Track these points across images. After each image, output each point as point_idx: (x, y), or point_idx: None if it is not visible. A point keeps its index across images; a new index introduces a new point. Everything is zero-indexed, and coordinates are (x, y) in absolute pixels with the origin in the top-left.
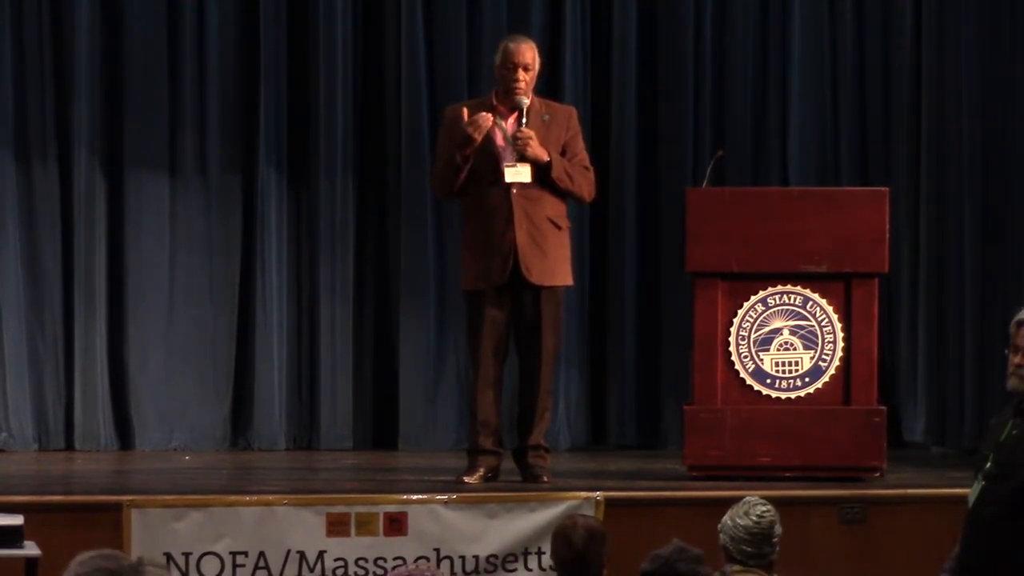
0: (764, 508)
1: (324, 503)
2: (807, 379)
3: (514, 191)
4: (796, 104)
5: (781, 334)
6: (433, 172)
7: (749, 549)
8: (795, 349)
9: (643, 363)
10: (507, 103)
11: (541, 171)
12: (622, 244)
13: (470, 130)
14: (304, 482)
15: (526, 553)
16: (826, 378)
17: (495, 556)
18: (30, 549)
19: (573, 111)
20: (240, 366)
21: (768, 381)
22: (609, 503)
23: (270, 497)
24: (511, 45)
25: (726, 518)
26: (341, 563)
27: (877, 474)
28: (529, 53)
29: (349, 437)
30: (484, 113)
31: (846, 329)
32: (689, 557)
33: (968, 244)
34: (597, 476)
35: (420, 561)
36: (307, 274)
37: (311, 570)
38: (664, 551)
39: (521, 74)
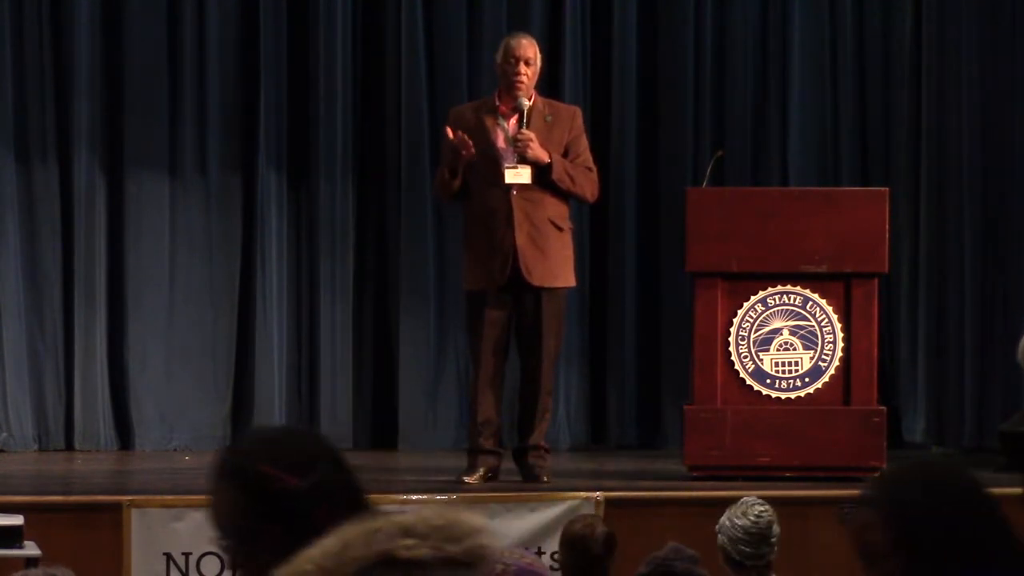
0: (762, 508)
1: None
2: (807, 379)
3: (514, 192)
4: (796, 104)
5: (781, 334)
6: (436, 175)
7: (747, 550)
8: (795, 349)
9: (643, 363)
10: (509, 103)
11: (542, 172)
12: (622, 244)
13: (456, 154)
14: None
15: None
16: (826, 378)
17: None
18: (30, 549)
19: (577, 111)
20: (240, 366)
21: (768, 381)
22: (609, 503)
23: None
24: (512, 41)
25: (724, 519)
26: None
27: (877, 474)
28: (531, 49)
29: (349, 437)
30: (460, 135)
31: (846, 329)
32: (685, 557)
33: (968, 244)
34: (597, 476)
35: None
36: (307, 274)
37: None
38: (660, 553)
39: (523, 68)
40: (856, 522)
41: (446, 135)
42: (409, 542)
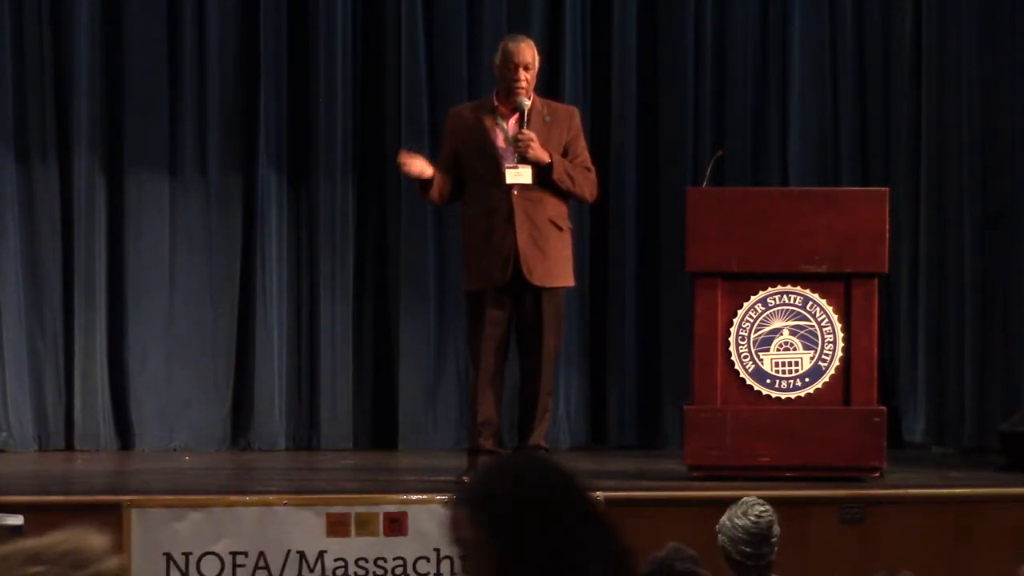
0: (762, 508)
1: (324, 503)
2: (807, 379)
3: (515, 192)
4: (796, 104)
5: (781, 334)
6: None
7: (748, 550)
8: (795, 349)
9: (643, 363)
10: (508, 103)
11: (542, 172)
12: (622, 244)
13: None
14: (304, 482)
15: None
16: (826, 378)
17: None
18: None
19: (575, 111)
20: (240, 366)
21: (768, 381)
22: (609, 503)
23: (270, 497)
24: (511, 45)
25: (724, 518)
26: (341, 563)
27: (877, 474)
28: (529, 52)
29: (349, 437)
30: (402, 153)
31: (846, 329)
32: (685, 557)
33: (968, 244)
34: (597, 476)
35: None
36: (307, 273)
37: (311, 570)
38: (660, 553)
39: (522, 73)
40: (450, 520)
41: (459, 122)
42: (36, 569)
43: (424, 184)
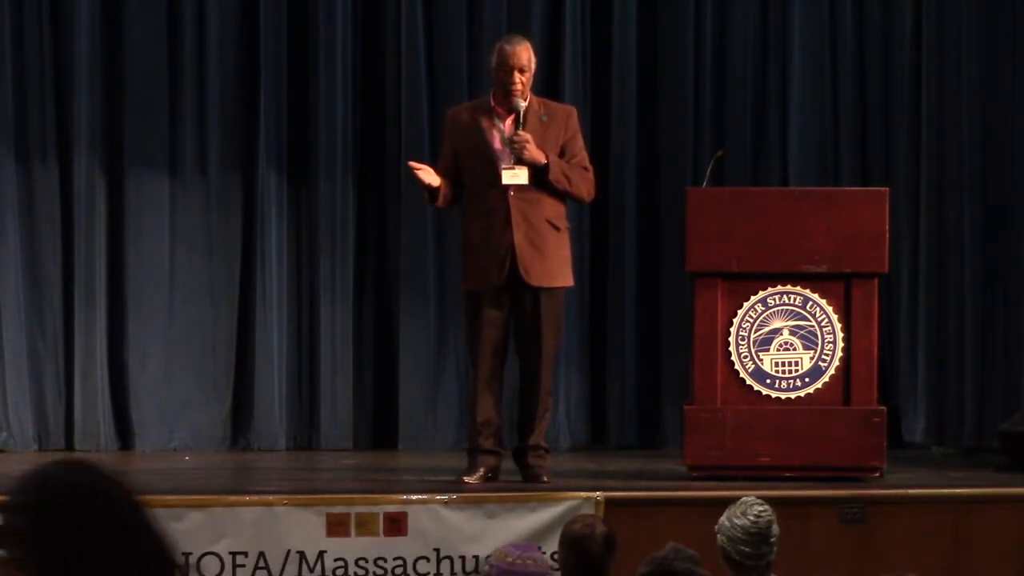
0: (761, 508)
1: (324, 503)
2: (807, 379)
3: (511, 193)
4: (796, 104)
5: (781, 334)
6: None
7: (747, 550)
8: (795, 349)
9: (643, 363)
10: (505, 104)
11: (539, 173)
12: (622, 244)
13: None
14: (304, 482)
15: None
16: (826, 378)
17: None
18: None
19: (572, 111)
20: (240, 366)
21: (768, 381)
22: (609, 503)
23: (270, 497)
24: (506, 47)
25: (723, 518)
26: (341, 563)
27: (877, 474)
28: (524, 55)
29: (349, 437)
30: (409, 166)
31: (846, 329)
32: (685, 557)
33: (968, 244)
34: (597, 476)
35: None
36: (307, 274)
37: (311, 570)
38: (660, 553)
39: (517, 76)
40: (5, 529)
41: (458, 123)
42: None
43: (432, 193)
